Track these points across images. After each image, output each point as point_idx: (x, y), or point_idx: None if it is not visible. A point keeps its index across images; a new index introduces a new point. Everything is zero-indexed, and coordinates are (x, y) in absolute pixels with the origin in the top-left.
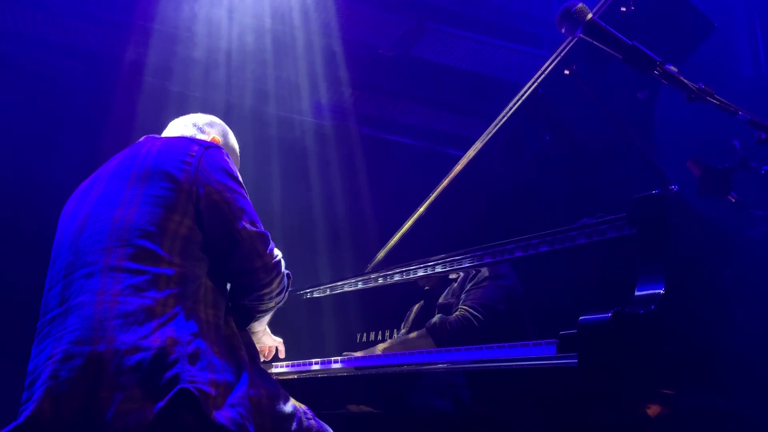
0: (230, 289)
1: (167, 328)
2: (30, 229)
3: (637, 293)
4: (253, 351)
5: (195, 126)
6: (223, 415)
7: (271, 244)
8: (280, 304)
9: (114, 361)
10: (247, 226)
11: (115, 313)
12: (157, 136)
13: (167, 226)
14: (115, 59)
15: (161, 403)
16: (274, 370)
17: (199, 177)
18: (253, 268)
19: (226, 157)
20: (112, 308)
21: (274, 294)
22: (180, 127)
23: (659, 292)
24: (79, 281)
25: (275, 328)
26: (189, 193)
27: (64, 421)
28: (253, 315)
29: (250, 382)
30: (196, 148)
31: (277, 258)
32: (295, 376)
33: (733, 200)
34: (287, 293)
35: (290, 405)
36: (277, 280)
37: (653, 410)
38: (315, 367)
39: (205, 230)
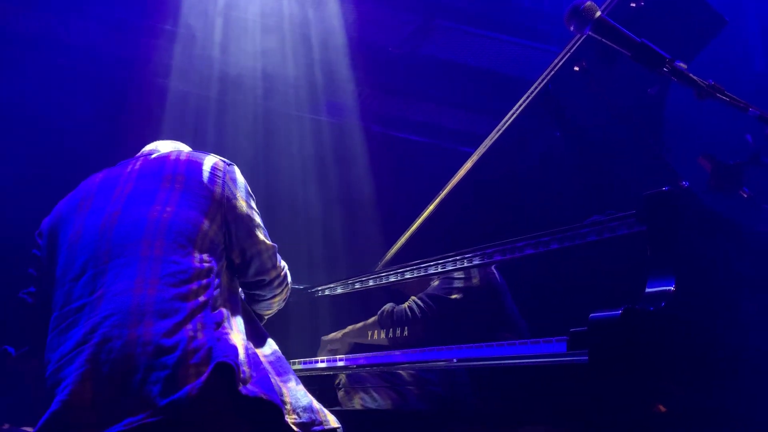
0: (243, 297)
1: (199, 316)
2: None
3: (647, 290)
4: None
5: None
6: (257, 385)
7: (279, 256)
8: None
9: (153, 342)
10: (266, 239)
11: (153, 300)
12: (163, 150)
13: (200, 227)
14: (123, 60)
15: (203, 378)
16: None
17: (227, 190)
18: (268, 280)
19: (242, 176)
20: (151, 295)
21: (281, 302)
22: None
23: (670, 289)
24: (115, 270)
25: (289, 325)
26: (219, 203)
27: (105, 402)
28: (262, 319)
29: (268, 365)
30: (221, 163)
31: (285, 269)
32: (302, 374)
33: (745, 196)
34: None
35: (304, 391)
36: (287, 290)
37: (664, 407)
38: (321, 365)
39: (232, 239)
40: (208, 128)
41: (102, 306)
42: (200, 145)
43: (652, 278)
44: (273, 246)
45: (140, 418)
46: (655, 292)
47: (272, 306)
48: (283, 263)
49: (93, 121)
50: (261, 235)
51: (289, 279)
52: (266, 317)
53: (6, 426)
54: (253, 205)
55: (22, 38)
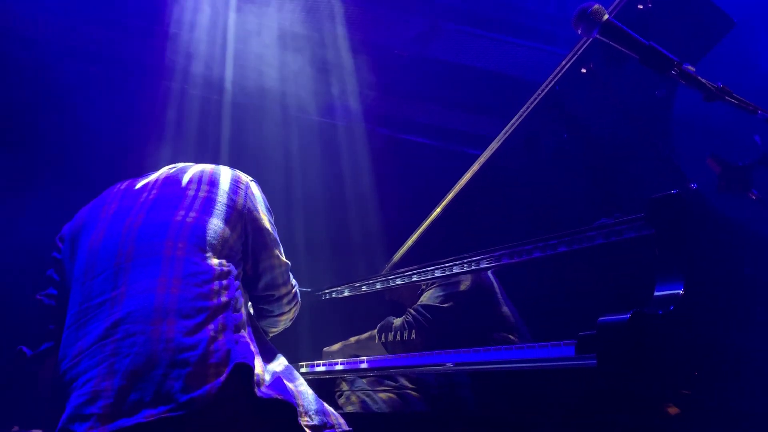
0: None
1: (220, 317)
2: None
3: (656, 294)
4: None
5: None
6: (272, 387)
7: (291, 275)
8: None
9: (175, 340)
10: (281, 255)
11: (176, 298)
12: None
13: (222, 234)
14: (133, 64)
15: (222, 378)
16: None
17: (249, 203)
18: (277, 296)
19: (262, 191)
20: (174, 294)
21: (288, 320)
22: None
23: (678, 293)
24: (138, 268)
25: (295, 328)
26: (241, 214)
27: (126, 394)
28: (267, 335)
29: (278, 372)
30: (242, 177)
31: (296, 287)
32: (311, 377)
33: (754, 198)
34: None
35: (315, 395)
36: (295, 310)
37: (672, 410)
38: (319, 368)
39: (248, 250)
40: (214, 131)
41: (125, 302)
42: (206, 147)
43: (661, 282)
44: (286, 263)
45: (159, 411)
46: (664, 295)
47: (278, 324)
48: (294, 281)
49: (104, 126)
50: (276, 251)
51: (299, 299)
52: (271, 335)
53: (16, 429)
54: (272, 220)
55: (34, 43)
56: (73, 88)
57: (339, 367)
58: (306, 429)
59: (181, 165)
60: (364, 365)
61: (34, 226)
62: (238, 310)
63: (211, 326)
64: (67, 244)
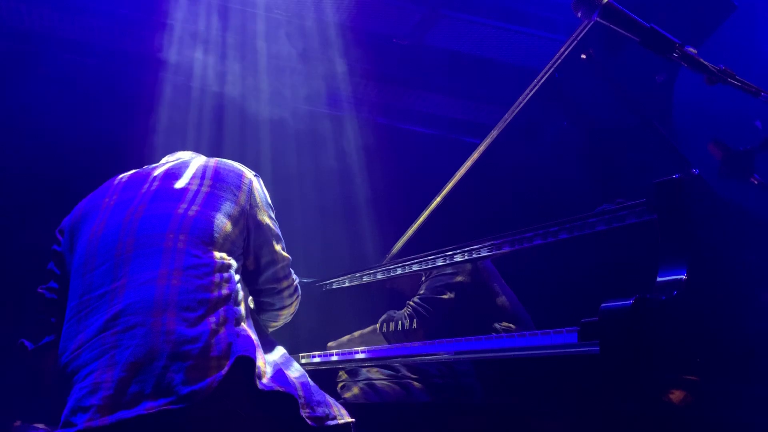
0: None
1: (221, 309)
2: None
3: (658, 279)
4: (276, 345)
5: None
6: (273, 380)
7: (292, 270)
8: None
9: (176, 332)
10: (282, 250)
11: (177, 291)
12: (187, 158)
13: (223, 228)
14: (136, 56)
15: (223, 371)
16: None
17: (252, 199)
18: (279, 289)
19: (264, 186)
20: (175, 287)
21: (289, 314)
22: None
23: (681, 278)
24: (139, 260)
25: (297, 319)
26: (243, 209)
27: (126, 387)
28: (267, 330)
29: (279, 364)
30: (246, 173)
31: (297, 281)
32: (311, 368)
33: (756, 182)
34: None
35: (317, 387)
36: (295, 304)
37: (676, 397)
38: (316, 360)
39: (249, 246)
40: (214, 122)
41: (125, 294)
42: (207, 138)
43: (664, 267)
44: (288, 258)
45: (160, 404)
46: (667, 281)
47: (279, 318)
48: (294, 276)
49: (101, 120)
50: (278, 246)
51: (299, 293)
52: (271, 329)
53: (18, 423)
54: (273, 216)
55: (33, 36)
56: (68, 81)
57: (338, 358)
58: (308, 420)
59: (183, 156)
60: (364, 355)
61: (33, 224)
62: (239, 304)
63: (213, 319)
64: (67, 237)
